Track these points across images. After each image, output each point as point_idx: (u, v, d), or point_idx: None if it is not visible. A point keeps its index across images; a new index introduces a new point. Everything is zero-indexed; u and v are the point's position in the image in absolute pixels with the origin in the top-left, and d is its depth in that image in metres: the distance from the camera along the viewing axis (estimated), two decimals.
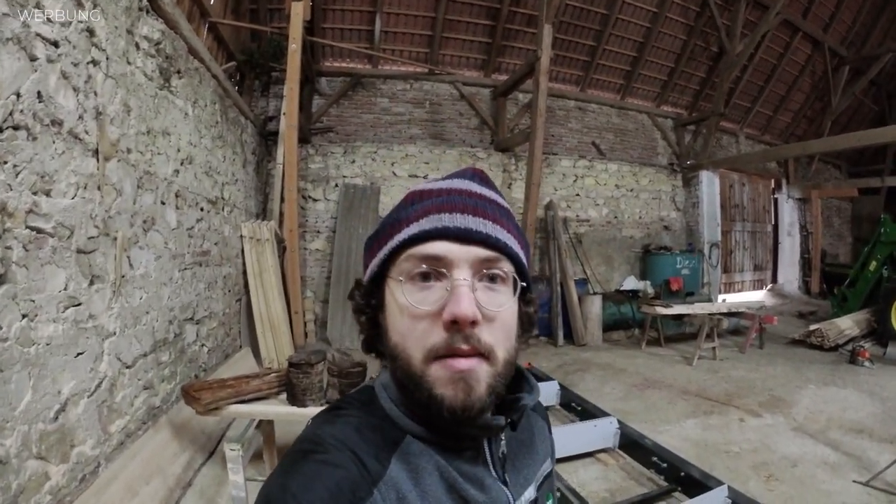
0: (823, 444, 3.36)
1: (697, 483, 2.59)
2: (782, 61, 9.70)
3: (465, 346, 0.45)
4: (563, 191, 8.23)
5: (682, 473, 2.69)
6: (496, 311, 0.48)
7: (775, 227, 11.17)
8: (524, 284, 0.53)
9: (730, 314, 6.29)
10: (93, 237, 2.26)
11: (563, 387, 4.15)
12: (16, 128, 1.67)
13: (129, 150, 2.59)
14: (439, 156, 7.50)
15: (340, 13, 6.98)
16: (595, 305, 6.72)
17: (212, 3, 4.94)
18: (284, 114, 5.63)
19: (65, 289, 2.02)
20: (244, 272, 5.08)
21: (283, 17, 6.26)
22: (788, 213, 11.13)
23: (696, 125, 9.32)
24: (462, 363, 0.46)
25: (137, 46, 2.61)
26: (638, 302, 7.02)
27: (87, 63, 2.11)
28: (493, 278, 0.49)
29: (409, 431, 0.50)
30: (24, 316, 1.72)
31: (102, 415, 2.20)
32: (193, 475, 2.77)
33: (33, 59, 1.74)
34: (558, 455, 2.91)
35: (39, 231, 1.84)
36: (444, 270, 0.47)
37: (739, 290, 10.23)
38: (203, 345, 3.80)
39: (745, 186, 10.33)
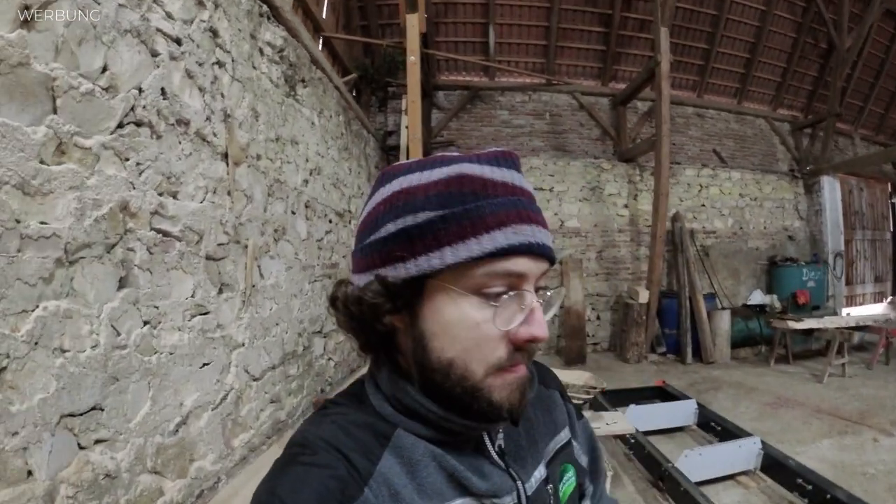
0: None
1: None
2: (889, 55, 8.49)
3: (525, 361, 0.47)
4: (688, 201, 7.65)
5: (828, 496, 2.50)
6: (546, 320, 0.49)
7: (894, 235, 9.96)
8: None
9: (858, 328, 5.89)
10: (222, 244, 2.21)
11: (700, 405, 3.92)
12: (138, 124, 1.61)
13: (258, 157, 2.57)
14: (563, 167, 7.19)
15: (453, 26, 6.98)
16: (724, 321, 6.34)
17: (324, 17, 5.12)
18: (406, 127, 5.62)
19: (192, 296, 1.95)
20: None
21: (395, 33, 6.37)
22: None
23: (812, 128, 8.50)
24: (518, 371, 0.47)
25: (261, 52, 2.61)
26: (766, 317, 6.52)
27: (213, 64, 2.09)
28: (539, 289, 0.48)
29: (401, 426, 0.48)
30: (145, 323, 1.64)
31: (226, 428, 2.09)
32: None
33: (155, 54, 1.70)
34: (701, 477, 2.93)
35: (165, 234, 1.78)
36: (520, 289, 0.45)
37: (861, 304, 9.25)
38: (330, 359, 3.73)
39: (863, 191, 9.34)
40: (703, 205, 7.81)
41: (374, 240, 0.48)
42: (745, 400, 4.73)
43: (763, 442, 3.10)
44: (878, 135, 9.89)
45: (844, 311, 7.98)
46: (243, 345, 2.38)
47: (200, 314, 2.02)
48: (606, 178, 7.31)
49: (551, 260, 0.48)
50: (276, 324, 2.81)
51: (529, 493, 0.52)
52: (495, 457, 0.52)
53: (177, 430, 1.74)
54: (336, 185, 4.03)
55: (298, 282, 3.22)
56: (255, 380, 2.43)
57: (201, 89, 1.98)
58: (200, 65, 1.97)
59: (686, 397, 4.11)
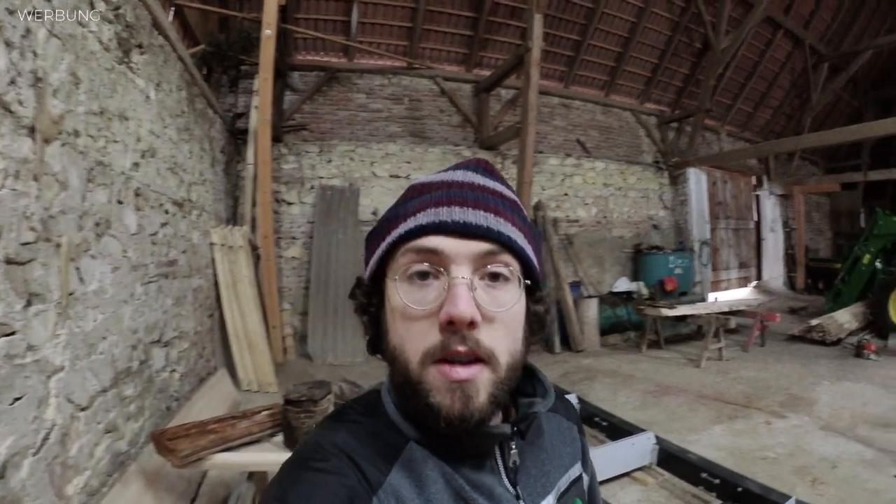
0: (855, 441, 3.28)
1: (758, 498, 2.34)
2: (763, 58, 9.76)
3: (461, 348, 0.44)
4: (551, 190, 7.95)
5: (739, 489, 2.45)
6: (497, 311, 0.46)
7: (757, 224, 11.12)
8: (528, 282, 0.50)
9: (732, 313, 6.07)
10: (28, 243, 1.74)
11: (582, 400, 3.83)
12: None
13: (76, 133, 2.06)
14: (421, 154, 7.10)
15: (315, 2, 6.54)
16: (591, 309, 6.52)
17: None
18: (256, 107, 5.12)
19: None
20: (215, 284, 4.50)
21: (255, 7, 5.72)
22: (770, 209, 11.14)
23: (679, 122, 9.25)
24: (461, 372, 0.44)
25: (92, 5, 2.09)
26: (634, 304, 6.83)
27: (27, 13, 1.61)
28: (495, 276, 0.47)
29: (412, 437, 0.49)
30: None
31: (55, 475, 1.67)
32: None
33: None
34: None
35: None
36: (443, 269, 0.45)
37: (726, 288, 10.12)
38: (174, 370, 3.23)
39: (728, 183, 10.34)
40: (567, 194, 7.98)
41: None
42: (624, 389, 4.56)
43: (657, 436, 3.01)
44: (744, 131, 10.79)
45: (711, 296, 8.35)
46: (63, 368, 1.91)
47: (4, 335, 1.57)
48: None
49: (492, 239, 0.46)
50: (104, 337, 2.32)
51: None
52: (504, 479, 0.51)
53: None
54: (174, 171, 3.46)
55: (128, 285, 2.70)
56: (82, 409, 1.98)
57: (8, 44, 1.50)
58: (11, 13, 1.49)
59: (565, 391, 3.83)
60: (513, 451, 0.53)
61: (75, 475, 1.80)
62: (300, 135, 6.66)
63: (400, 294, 0.46)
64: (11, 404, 1.52)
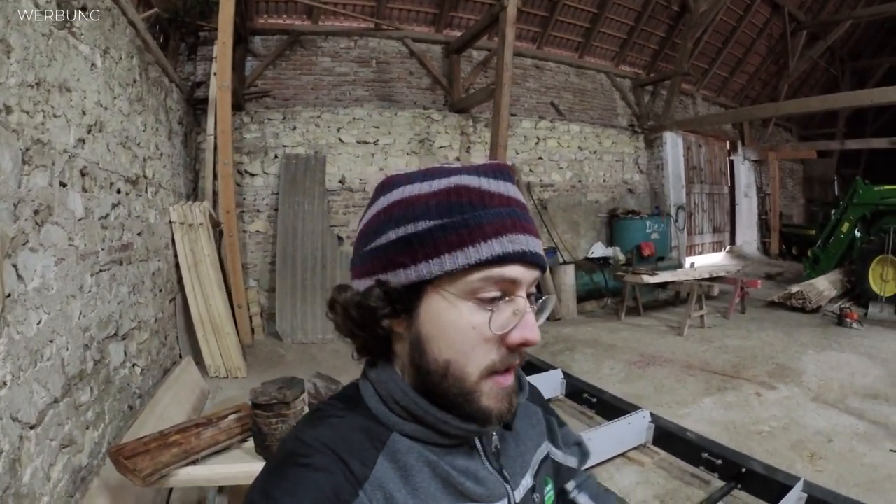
0: (847, 413, 3.25)
1: (763, 479, 2.28)
2: (741, 23, 9.65)
3: (517, 362, 0.50)
4: (524, 154, 7.69)
5: (744, 470, 2.35)
6: None
7: (731, 189, 11.08)
8: None
9: (713, 279, 5.83)
10: None
11: (567, 375, 3.60)
12: None
13: (7, 109, 1.76)
14: (390, 118, 6.75)
15: None
16: (569, 276, 6.35)
17: None
18: (215, 74, 4.68)
19: None
20: (176, 265, 4.20)
21: None
22: (745, 174, 11.06)
23: (654, 86, 9.11)
24: (509, 379, 0.50)
25: None
26: (612, 270, 6.73)
27: None
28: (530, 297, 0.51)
29: (396, 429, 0.49)
30: None
31: None
32: None
33: None
34: (593, 462, 2.61)
35: None
36: (511, 294, 0.48)
37: (700, 253, 10.05)
38: (134, 364, 3.00)
39: (702, 148, 10.09)
40: (541, 157, 7.73)
41: (374, 246, 0.50)
42: (607, 360, 4.36)
43: (652, 414, 2.89)
44: (720, 96, 10.66)
45: (687, 260, 8.19)
46: (5, 384, 1.70)
47: None
48: (437, 129, 6.98)
49: (542, 268, 0.51)
50: (51, 341, 2.09)
51: (518, 500, 0.55)
52: (486, 461, 0.54)
53: None
54: (125, 145, 3.10)
55: (76, 276, 2.43)
56: (31, 427, 1.78)
57: None
58: None
59: (549, 366, 3.76)
60: (494, 438, 0.56)
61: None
62: (263, 102, 6.21)
63: (474, 314, 0.47)
64: None
